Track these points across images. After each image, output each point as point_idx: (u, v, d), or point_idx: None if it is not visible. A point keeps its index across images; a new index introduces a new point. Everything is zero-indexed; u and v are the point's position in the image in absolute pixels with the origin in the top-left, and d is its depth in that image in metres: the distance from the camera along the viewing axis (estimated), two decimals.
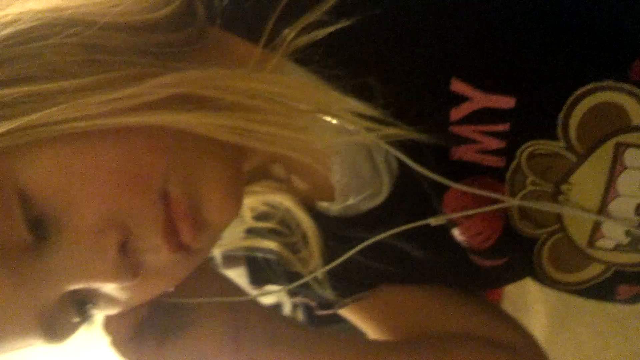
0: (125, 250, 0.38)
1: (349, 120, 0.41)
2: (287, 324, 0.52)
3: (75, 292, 0.40)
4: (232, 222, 0.44)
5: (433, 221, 0.44)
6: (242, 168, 0.46)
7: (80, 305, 0.41)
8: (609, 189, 0.40)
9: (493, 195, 0.42)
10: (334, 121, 0.42)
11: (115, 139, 0.37)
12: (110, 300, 0.41)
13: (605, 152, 0.39)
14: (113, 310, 0.43)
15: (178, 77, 0.39)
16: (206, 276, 0.50)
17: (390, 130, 0.40)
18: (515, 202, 0.42)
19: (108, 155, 0.37)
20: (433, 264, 0.50)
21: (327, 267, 0.49)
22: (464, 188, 0.42)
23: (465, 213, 0.43)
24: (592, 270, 0.45)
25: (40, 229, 0.37)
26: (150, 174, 0.38)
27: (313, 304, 0.57)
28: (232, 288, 0.51)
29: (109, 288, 0.40)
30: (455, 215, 0.44)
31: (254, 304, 0.51)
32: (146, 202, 0.38)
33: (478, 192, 0.42)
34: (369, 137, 0.41)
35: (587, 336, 1.37)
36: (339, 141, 0.44)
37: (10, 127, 0.35)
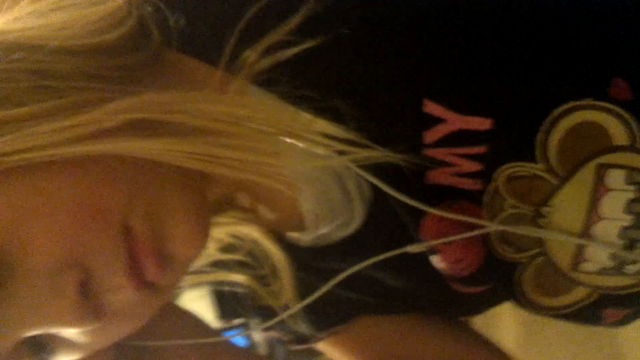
0: (85, 292, 0.35)
1: (320, 143, 0.39)
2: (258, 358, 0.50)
3: (32, 338, 0.36)
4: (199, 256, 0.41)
5: (411, 249, 0.42)
6: (208, 198, 0.43)
7: (37, 351, 0.37)
8: (592, 212, 0.39)
9: (473, 220, 0.40)
10: (303, 145, 0.40)
11: (68, 170, 0.34)
12: (72, 345, 0.38)
13: (587, 173, 0.38)
14: (74, 356, 0.39)
15: (135, 102, 0.36)
16: (173, 315, 0.47)
17: (363, 153, 0.38)
18: (496, 226, 0.41)
19: (62, 189, 0.34)
20: (411, 293, 0.48)
21: (302, 304, 0.46)
22: (442, 213, 0.40)
23: (444, 240, 0.41)
24: (577, 294, 0.43)
25: None
26: (109, 207, 0.35)
27: (286, 338, 0.55)
28: (201, 326, 0.49)
29: (70, 332, 0.37)
30: (434, 242, 0.42)
31: (224, 342, 0.48)
32: (106, 239, 0.35)
33: (457, 217, 0.40)
34: (341, 160, 0.39)
35: (559, 344, 1.37)
36: (310, 165, 0.42)
37: None
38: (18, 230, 0.34)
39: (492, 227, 0.41)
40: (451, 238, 0.41)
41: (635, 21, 0.38)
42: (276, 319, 0.48)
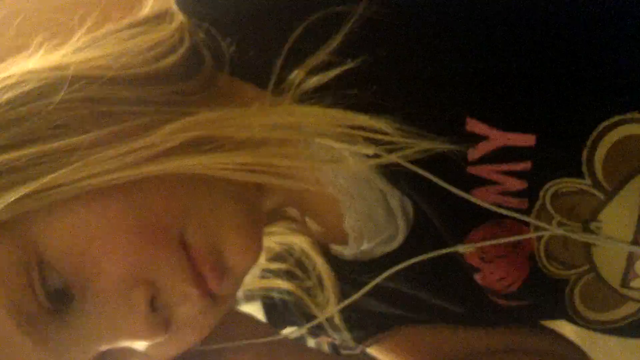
0: (155, 306, 0.37)
1: (372, 141, 0.39)
2: (316, 355, 0.50)
3: (104, 354, 0.39)
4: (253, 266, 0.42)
5: (461, 249, 0.42)
6: (262, 210, 0.45)
7: None
8: None
9: (520, 220, 0.39)
10: (353, 145, 0.40)
11: (127, 192, 0.36)
12: (140, 357, 0.40)
13: (634, 187, 0.37)
14: None
15: (191, 121, 0.38)
16: (230, 318, 0.48)
17: (414, 148, 0.38)
18: (537, 233, 0.40)
19: (123, 210, 0.36)
20: (454, 311, 0.48)
21: (339, 307, 0.47)
22: (485, 205, 0.39)
23: (494, 242, 0.40)
24: (627, 309, 0.42)
25: (63, 294, 0.36)
26: (165, 223, 0.37)
27: (337, 342, 0.56)
28: (258, 326, 0.50)
29: (140, 346, 0.39)
30: (482, 244, 0.41)
31: (280, 339, 0.49)
32: (167, 253, 0.37)
33: (504, 210, 0.38)
34: (391, 158, 0.38)
35: (618, 350, 1.33)
36: (359, 167, 0.42)
37: (25, 191, 0.34)
38: (89, 252, 0.35)
39: (535, 233, 0.40)
40: (501, 240, 0.40)
41: None
42: (314, 322, 0.49)
